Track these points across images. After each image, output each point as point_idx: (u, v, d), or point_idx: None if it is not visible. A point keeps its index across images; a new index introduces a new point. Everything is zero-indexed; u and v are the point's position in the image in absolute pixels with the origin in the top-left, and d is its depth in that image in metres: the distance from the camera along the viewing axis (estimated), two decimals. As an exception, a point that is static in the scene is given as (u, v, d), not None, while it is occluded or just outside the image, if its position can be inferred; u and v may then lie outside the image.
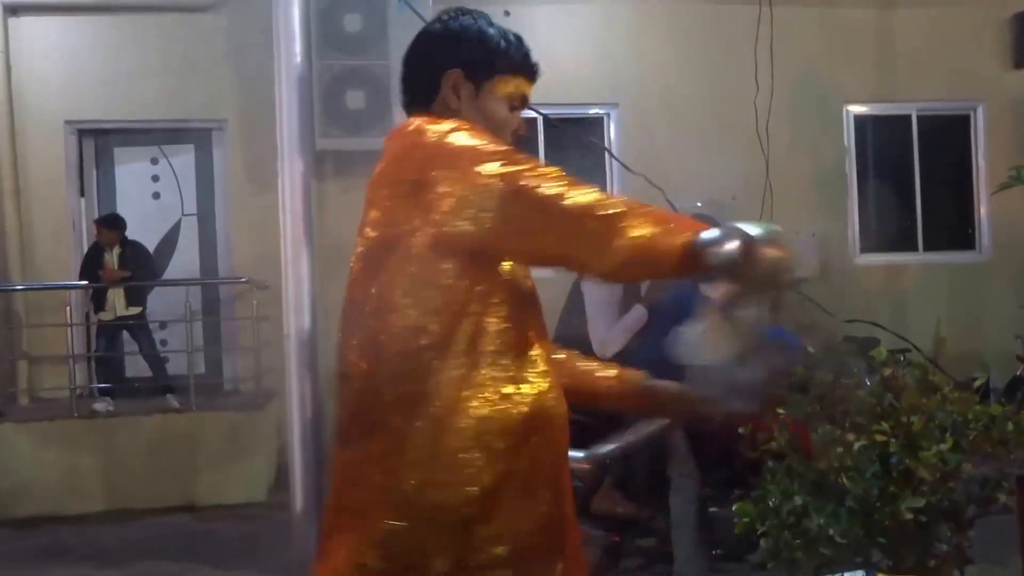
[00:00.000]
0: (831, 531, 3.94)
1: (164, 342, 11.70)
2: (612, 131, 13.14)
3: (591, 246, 2.43)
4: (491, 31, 2.87)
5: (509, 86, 2.86)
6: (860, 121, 13.67)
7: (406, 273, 2.56)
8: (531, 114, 3.23)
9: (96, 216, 12.21)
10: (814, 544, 4.00)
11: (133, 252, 11.34)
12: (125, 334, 11.50)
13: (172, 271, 12.53)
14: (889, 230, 13.76)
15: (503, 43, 2.86)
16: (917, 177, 13.64)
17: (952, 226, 13.83)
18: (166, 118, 12.40)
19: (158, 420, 10.72)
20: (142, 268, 11.31)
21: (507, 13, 12.29)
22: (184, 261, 12.71)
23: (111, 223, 11.45)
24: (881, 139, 13.76)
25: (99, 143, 12.80)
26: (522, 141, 2.86)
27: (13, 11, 12.15)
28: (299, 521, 3.71)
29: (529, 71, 2.91)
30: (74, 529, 9.68)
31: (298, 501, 3.70)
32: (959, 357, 4.78)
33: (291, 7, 3.78)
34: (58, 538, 9.42)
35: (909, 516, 3.88)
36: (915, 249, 13.65)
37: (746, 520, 4.24)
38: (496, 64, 2.84)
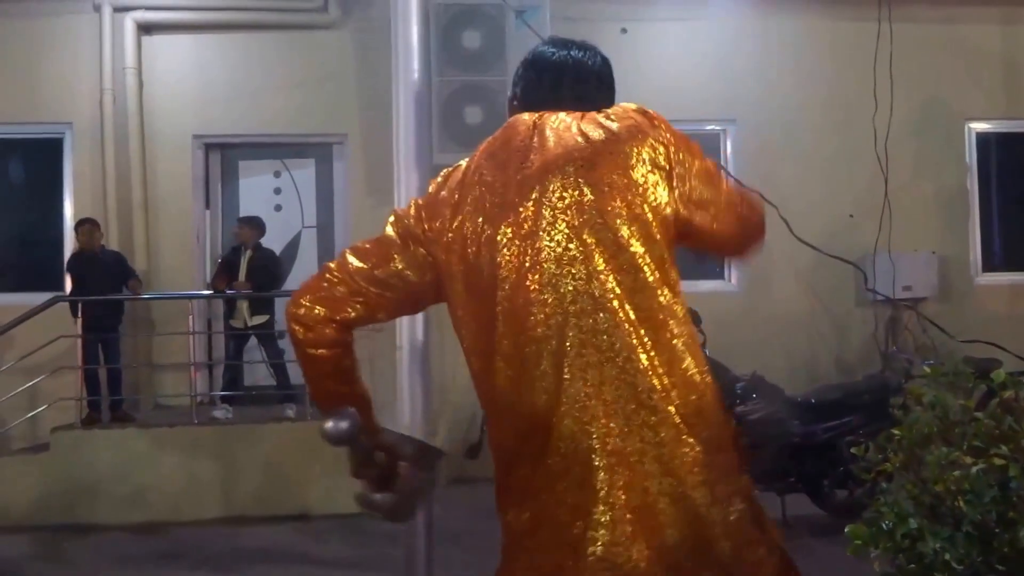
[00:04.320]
0: (947, 556, 3.87)
1: (282, 351, 11.84)
2: (728, 148, 13.06)
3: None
4: None
5: None
6: (982, 139, 13.43)
7: (672, 277, 2.75)
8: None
9: (221, 228, 12.45)
10: (929, 570, 3.93)
11: (264, 258, 11.54)
12: (250, 342, 11.65)
13: (292, 282, 12.66)
14: (1012, 249, 13.50)
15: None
16: (1042, 195, 13.38)
17: (1077, 244, 13.50)
18: (288, 132, 12.60)
19: (274, 429, 10.84)
20: (271, 275, 11.49)
21: (624, 31, 12.35)
22: (304, 272, 12.84)
23: (252, 222, 11.77)
24: (1004, 157, 13.51)
25: (224, 157, 13.03)
26: None
27: (147, 30, 12.48)
28: (409, 533, 3.72)
29: None
30: (190, 534, 9.82)
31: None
32: (1082, 380, 4.68)
33: (410, 24, 3.82)
34: (174, 543, 9.57)
35: (1028, 543, 3.80)
36: (1039, 269, 13.38)
37: (858, 542, 4.19)
38: None
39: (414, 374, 3.73)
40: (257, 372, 11.95)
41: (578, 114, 2.87)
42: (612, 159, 2.72)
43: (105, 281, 11.20)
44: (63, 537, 9.76)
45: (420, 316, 3.77)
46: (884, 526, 4.12)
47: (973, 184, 13.37)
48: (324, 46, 12.51)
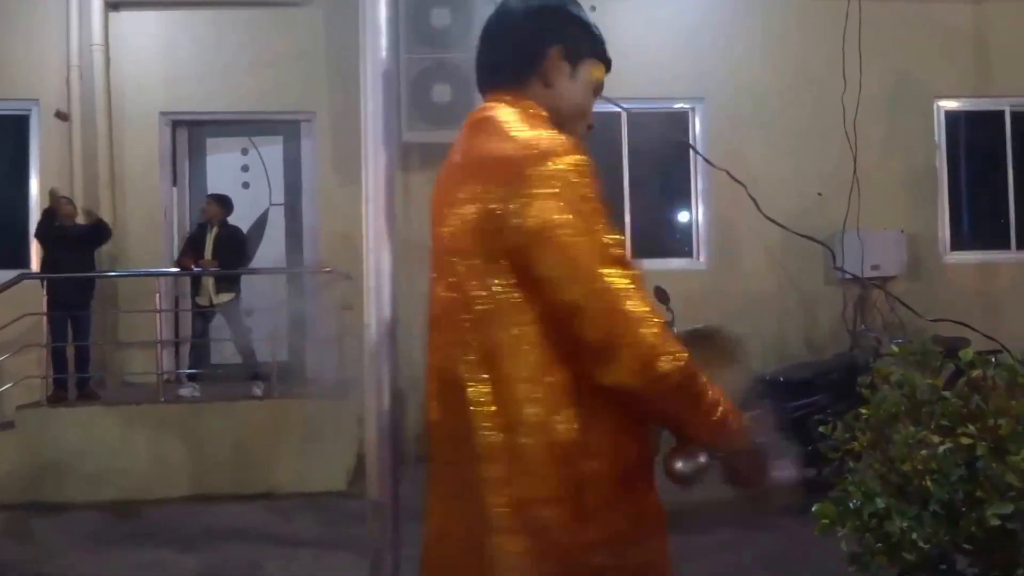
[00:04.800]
0: (914, 536, 3.87)
1: (250, 329, 11.79)
2: (697, 126, 13.05)
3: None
4: (585, 13, 2.82)
5: (597, 71, 2.82)
6: (952, 117, 13.46)
7: None
8: (613, 108, 3.23)
9: (188, 205, 12.42)
10: (896, 549, 3.94)
11: (231, 236, 11.49)
12: (216, 320, 11.61)
13: (259, 260, 12.64)
14: (980, 227, 13.55)
15: (596, 27, 2.83)
16: (1010, 173, 13.41)
17: (1046, 224, 13.55)
18: (256, 110, 12.54)
19: (242, 407, 10.83)
20: (237, 253, 11.45)
21: (593, 8, 12.31)
22: (271, 250, 12.83)
23: (219, 199, 11.70)
24: (973, 135, 13.55)
25: (192, 134, 13.00)
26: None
27: (114, 6, 12.43)
28: (376, 511, 3.70)
29: (608, 60, 2.88)
30: (157, 512, 9.80)
31: (375, 491, 3.70)
32: (1050, 359, 4.69)
33: (379, 2, 3.78)
34: (141, 521, 9.55)
35: (996, 522, 3.80)
36: (1007, 247, 13.41)
37: (825, 521, 4.18)
38: (593, 47, 2.80)
39: (382, 352, 3.70)
40: (224, 350, 11.90)
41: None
42: None
43: (76, 257, 11.13)
44: (29, 515, 9.72)
45: (387, 294, 3.74)
46: (851, 505, 4.12)
47: (942, 162, 13.39)
48: (292, 24, 12.45)
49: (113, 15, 12.39)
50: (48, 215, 11.24)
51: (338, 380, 11.32)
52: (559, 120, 2.66)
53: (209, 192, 12.20)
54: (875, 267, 12.51)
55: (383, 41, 3.80)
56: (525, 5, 2.77)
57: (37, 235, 11.39)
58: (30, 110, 12.44)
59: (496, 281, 2.46)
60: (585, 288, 2.35)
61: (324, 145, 12.44)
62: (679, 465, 2.57)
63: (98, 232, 11.36)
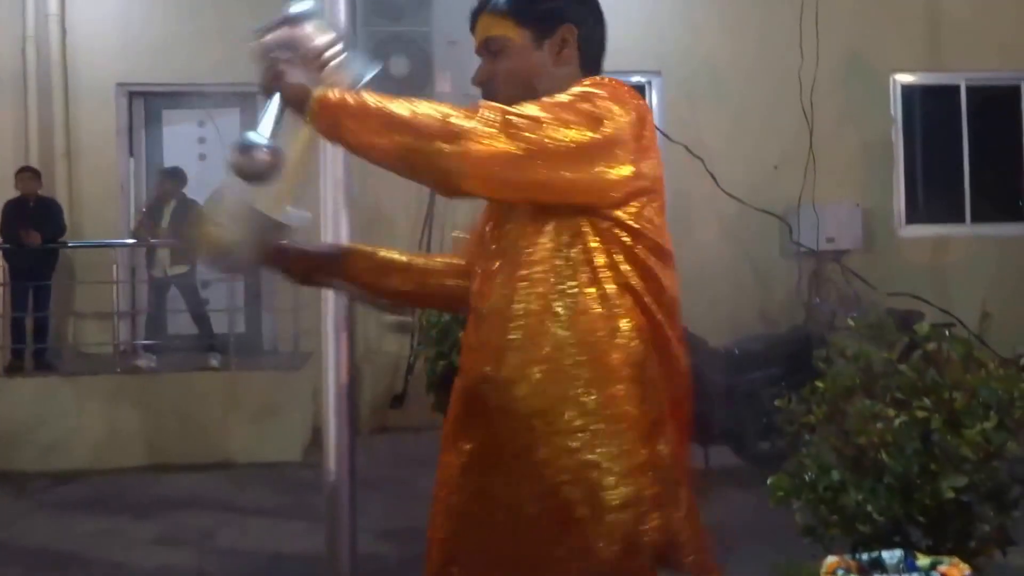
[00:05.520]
0: (869, 508, 3.90)
1: (206, 301, 11.73)
2: (654, 99, 13.04)
3: None
4: None
5: None
6: (907, 91, 13.50)
7: None
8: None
9: (145, 177, 12.35)
10: (851, 521, 3.97)
11: (187, 210, 11.40)
12: (172, 291, 11.55)
13: (217, 232, 12.55)
14: (936, 201, 13.60)
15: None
16: (965, 148, 13.45)
17: (1001, 198, 13.60)
18: (213, 81, 12.42)
19: (198, 377, 10.79)
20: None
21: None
22: (227, 222, 12.75)
23: (174, 175, 11.59)
24: (929, 109, 13.59)
25: (148, 105, 12.88)
26: None
27: (69, -25, 12.24)
28: (331, 481, 3.71)
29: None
30: (112, 482, 9.76)
31: (331, 461, 3.71)
32: (1006, 333, 4.73)
33: (336, -27, 3.77)
34: (96, 490, 9.51)
35: (950, 495, 3.84)
36: (962, 221, 13.46)
37: (780, 493, 4.21)
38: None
39: (339, 323, 3.70)
40: (181, 321, 11.84)
41: None
42: None
43: (36, 229, 11.03)
44: (-17, 485, 9.68)
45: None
46: (807, 478, 4.15)
47: (898, 136, 13.44)
48: (249, -7, 12.35)
49: (68, -16, 12.26)
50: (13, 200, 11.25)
51: (294, 352, 11.32)
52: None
53: (165, 165, 12.13)
54: (830, 240, 12.55)
55: (341, 13, 3.80)
56: None
57: (3, 214, 11.28)
58: (-16, 81, 12.29)
59: None
60: None
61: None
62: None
63: (48, 213, 11.29)
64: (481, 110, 2.40)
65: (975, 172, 13.44)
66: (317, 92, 2.57)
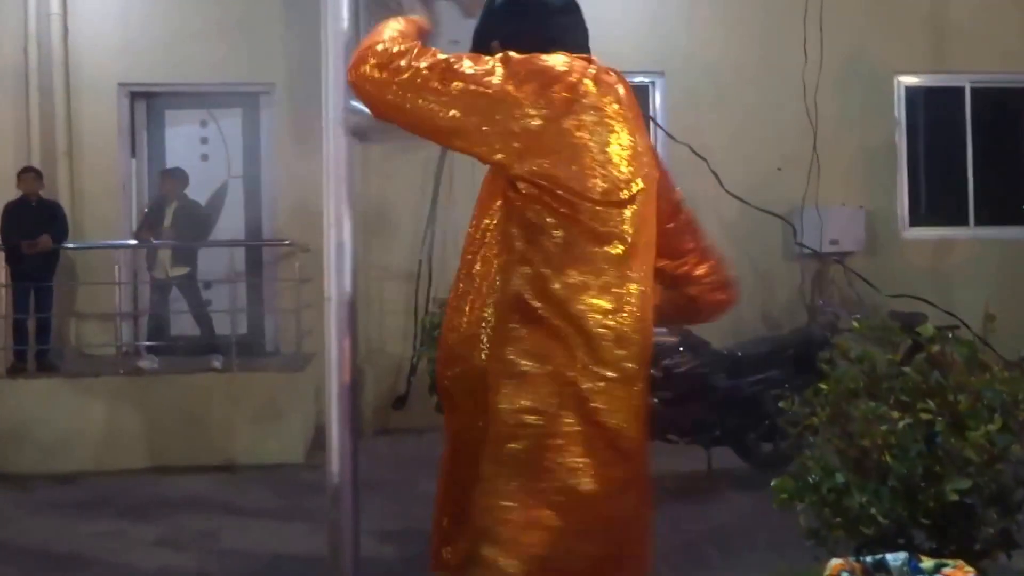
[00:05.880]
0: (873, 510, 3.89)
1: (208, 302, 11.72)
2: (657, 100, 13.03)
3: None
4: None
5: None
6: (912, 93, 13.48)
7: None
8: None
9: (147, 177, 12.35)
10: (855, 523, 3.96)
11: (189, 210, 11.39)
12: (174, 292, 11.54)
13: (218, 232, 12.54)
14: (939, 204, 13.58)
15: None
16: (969, 150, 13.44)
17: (1004, 201, 13.57)
18: (215, 81, 12.42)
19: (200, 379, 10.76)
20: (195, 227, 11.36)
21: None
22: (230, 222, 12.74)
23: (176, 175, 11.57)
24: (932, 111, 13.56)
25: (150, 105, 12.86)
26: None
27: (71, -25, 12.24)
28: (334, 483, 3.70)
29: None
30: (114, 483, 9.74)
31: (334, 463, 3.70)
32: (1009, 335, 4.71)
33: (339, -29, 3.77)
34: (98, 492, 9.48)
35: (954, 498, 3.83)
36: (966, 223, 13.45)
37: (784, 496, 4.20)
38: None
39: (342, 324, 3.70)
40: (183, 322, 11.83)
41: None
42: None
43: (37, 231, 11.01)
44: (-15, 486, 9.67)
45: (348, 266, 3.73)
46: (810, 480, 4.14)
47: (901, 138, 13.42)
48: (252, -7, 12.36)
49: (69, -16, 12.25)
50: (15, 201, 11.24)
51: (297, 353, 11.31)
52: None
53: (167, 165, 12.13)
54: (834, 242, 12.54)
55: (344, 12, 3.80)
56: None
57: (4, 216, 11.25)
58: (-14, 80, 12.28)
59: None
60: None
61: (283, 117, 12.35)
62: None
63: (51, 215, 11.27)
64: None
65: (979, 174, 13.42)
66: None
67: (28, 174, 11.24)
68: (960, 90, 13.43)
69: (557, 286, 2.86)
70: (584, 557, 2.90)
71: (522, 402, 2.87)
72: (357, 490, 3.74)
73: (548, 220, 2.87)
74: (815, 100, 12.30)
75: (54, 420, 10.39)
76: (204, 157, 12.79)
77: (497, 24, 3.15)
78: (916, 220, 13.44)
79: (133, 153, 12.74)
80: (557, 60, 2.98)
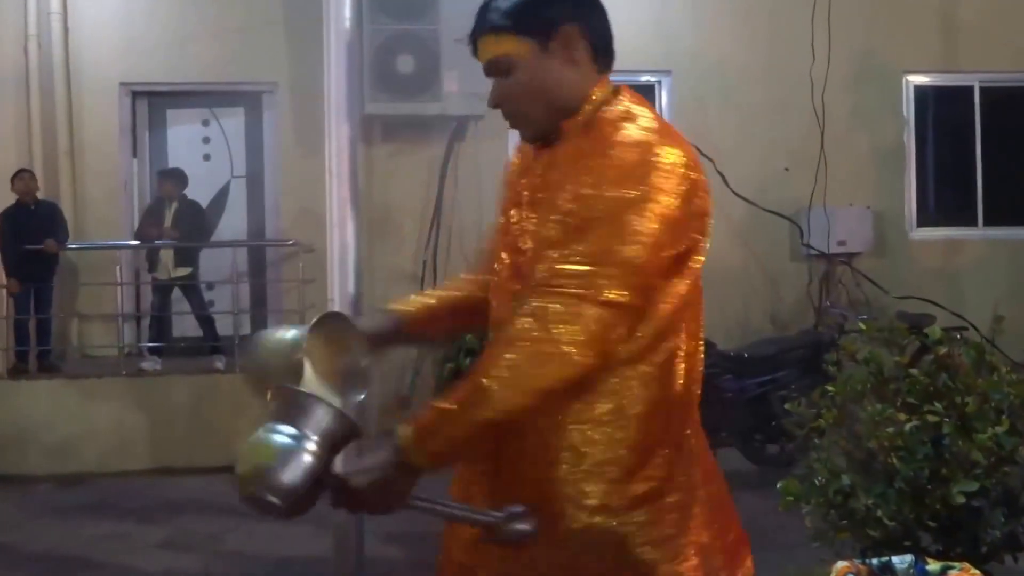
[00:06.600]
0: (879, 513, 3.86)
1: (211, 303, 11.71)
2: (664, 99, 12.99)
3: None
4: None
5: None
6: (920, 92, 13.42)
7: None
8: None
9: (148, 177, 12.35)
10: (861, 525, 3.93)
11: (189, 211, 11.38)
12: (175, 293, 11.53)
13: (220, 232, 12.53)
14: (948, 204, 13.54)
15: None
16: (978, 150, 13.37)
17: (1014, 201, 13.47)
18: (217, 80, 12.40)
19: (203, 380, 10.77)
20: (196, 228, 11.35)
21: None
22: (232, 223, 12.72)
23: (174, 176, 11.56)
24: (941, 110, 13.51)
25: (152, 105, 12.81)
26: None
27: (71, -27, 12.21)
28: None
29: None
30: (118, 485, 9.76)
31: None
32: (1018, 337, 4.68)
33: (342, -28, 3.75)
34: (102, 494, 9.50)
35: (961, 500, 3.80)
36: (974, 224, 13.39)
37: (790, 497, 4.18)
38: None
39: (343, 326, 3.67)
40: (186, 323, 11.82)
41: None
42: None
43: (39, 233, 11.00)
44: (-11, 488, 9.67)
45: (351, 266, 3.71)
46: (816, 481, 4.11)
47: (910, 138, 13.37)
48: (254, -8, 12.34)
49: (71, -18, 12.22)
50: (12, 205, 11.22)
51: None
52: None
53: (169, 165, 12.11)
54: (841, 243, 12.49)
55: (347, 11, 3.78)
56: None
57: (3, 220, 11.22)
58: (-13, 80, 12.25)
59: None
60: None
61: (286, 116, 12.32)
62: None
63: (52, 217, 11.25)
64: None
65: (988, 175, 13.36)
66: (404, 437, 2.43)
67: (24, 174, 11.21)
68: (969, 89, 13.38)
69: None
70: None
71: None
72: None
73: None
74: (823, 100, 12.25)
75: (57, 422, 10.40)
76: (206, 157, 12.77)
77: (573, 6, 2.69)
78: (924, 221, 13.39)
79: (135, 153, 12.69)
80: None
